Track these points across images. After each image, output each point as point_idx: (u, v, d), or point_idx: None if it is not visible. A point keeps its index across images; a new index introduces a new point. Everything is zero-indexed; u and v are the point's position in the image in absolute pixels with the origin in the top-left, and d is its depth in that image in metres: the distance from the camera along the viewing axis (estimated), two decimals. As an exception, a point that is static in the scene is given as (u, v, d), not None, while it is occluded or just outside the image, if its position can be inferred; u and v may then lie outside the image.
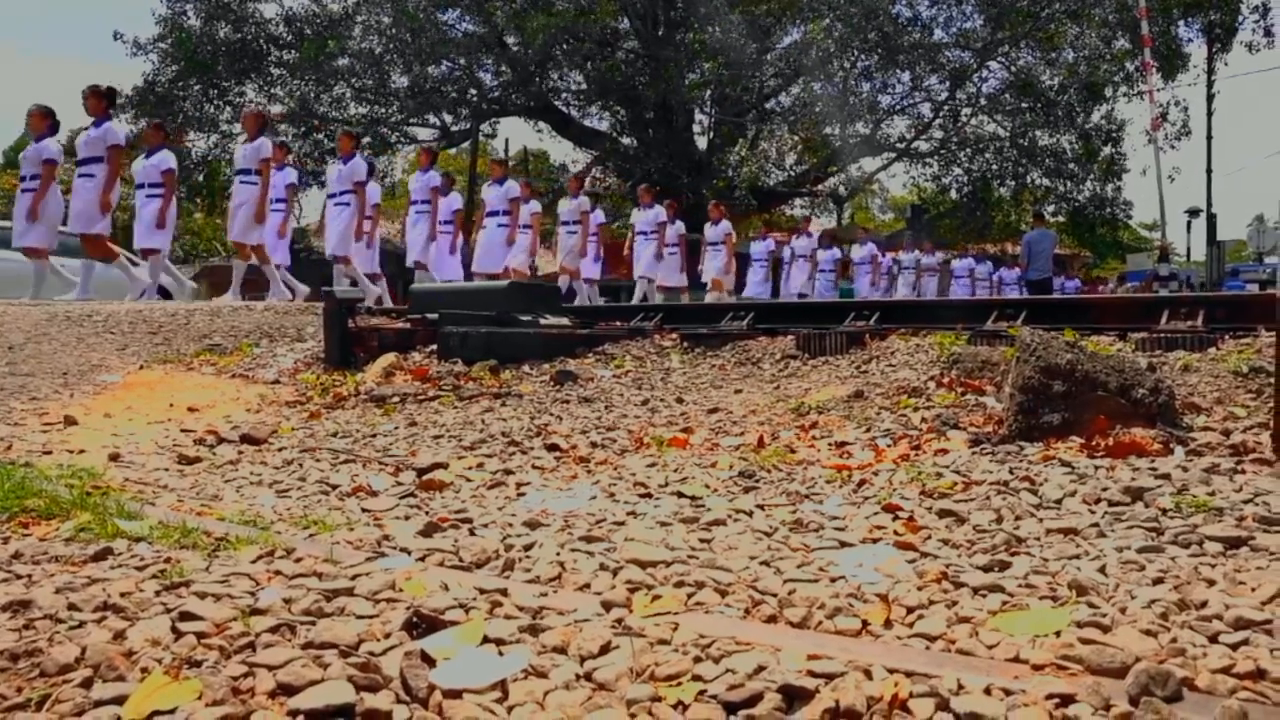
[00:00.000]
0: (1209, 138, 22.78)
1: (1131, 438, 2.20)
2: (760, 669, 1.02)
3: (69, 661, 1.03)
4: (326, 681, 0.97)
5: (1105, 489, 1.83)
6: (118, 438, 3.06)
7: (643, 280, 11.80)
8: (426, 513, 1.96)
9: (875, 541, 1.60)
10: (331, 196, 9.19)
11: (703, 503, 1.96)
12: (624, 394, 3.68)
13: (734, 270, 13.14)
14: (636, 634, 1.12)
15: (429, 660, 1.03)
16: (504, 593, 1.29)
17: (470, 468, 2.46)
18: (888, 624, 1.19)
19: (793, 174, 24.83)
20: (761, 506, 1.90)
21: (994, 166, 22.30)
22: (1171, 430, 2.28)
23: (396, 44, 20.75)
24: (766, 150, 24.23)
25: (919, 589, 1.30)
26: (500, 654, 1.07)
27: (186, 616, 1.16)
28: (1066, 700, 0.92)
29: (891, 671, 1.00)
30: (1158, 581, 1.31)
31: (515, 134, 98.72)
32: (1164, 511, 1.68)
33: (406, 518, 1.92)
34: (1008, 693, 0.95)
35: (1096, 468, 2.02)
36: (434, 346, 4.70)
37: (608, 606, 1.25)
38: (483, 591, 1.29)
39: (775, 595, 1.29)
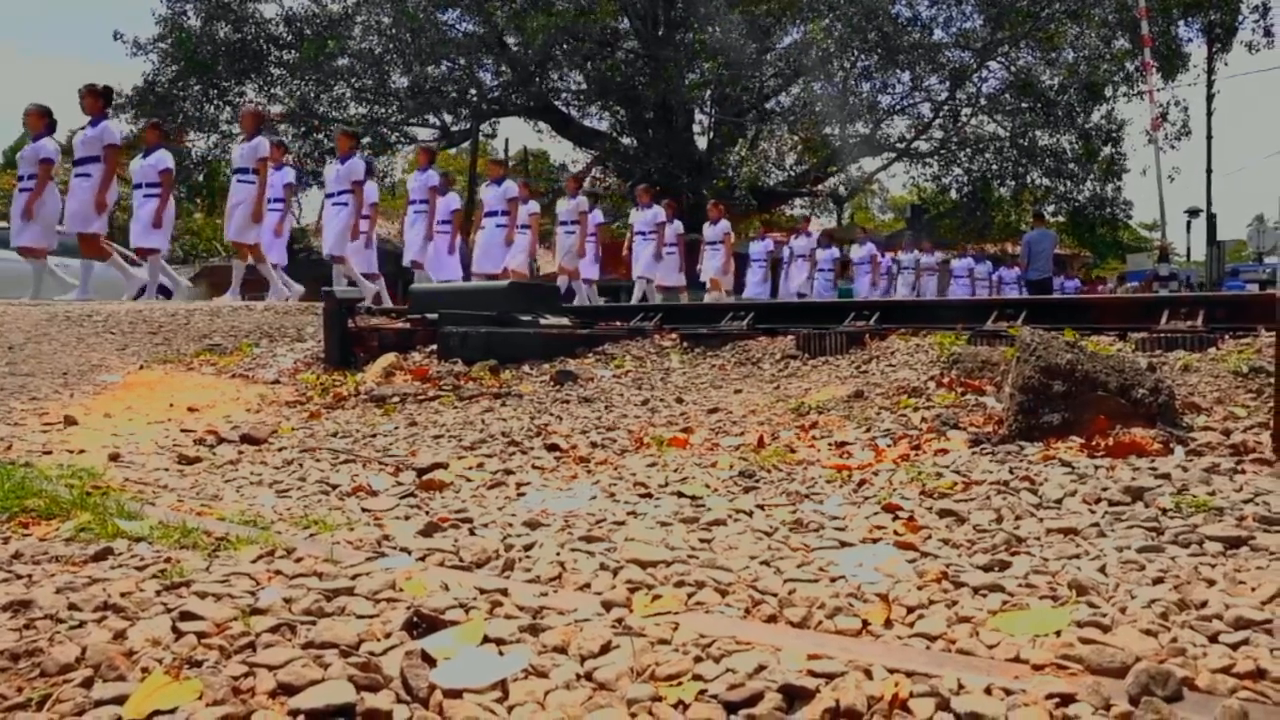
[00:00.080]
0: (1209, 137, 22.81)
1: (1131, 438, 2.20)
2: (760, 669, 1.02)
3: (69, 661, 1.03)
4: (327, 681, 0.97)
5: (1105, 489, 1.83)
6: (118, 438, 3.06)
7: (641, 280, 11.79)
8: (426, 513, 1.96)
9: (875, 541, 1.60)
10: (330, 196, 9.15)
11: (703, 503, 1.96)
12: (624, 394, 3.68)
13: (732, 270, 13.14)
14: (637, 634, 1.12)
15: (429, 660, 1.03)
16: (504, 592, 1.29)
17: (470, 468, 2.46)
18: (888, 624, 1.19)
19: (793, 174, 24.83)
20: (761, 506, 1.90)
21: (994, 166, 22.30)
22: (1171, 430, 2.28)
23: (396, 44, 20.75)
24: (766, 150, 24.23)
25: (919, 589, 1.30)
26: (500, 654, 1.07)
27: (187, 616, 1.16)
28: (1067, 700, 0.92)
29: (892, 671, 1.00)
30: (1158, 581, 1.31)
31: (515, 134, 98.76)
32: (1164, 511, 1.68)
33: (406, 518, 1.92)
34: (1008, 692, 0.95)
35: (1096, 467, 2.02)
36: (434, 346, 4.70)
37: (608, 606, 1.25)
38: (483, 591, 1.29)
39: (775, 595, 1.29)
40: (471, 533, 1.75)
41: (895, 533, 1.65)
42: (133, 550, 1.53)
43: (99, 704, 0.94)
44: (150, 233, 8.05)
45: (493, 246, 10.06)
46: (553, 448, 2.68)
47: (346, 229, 8.85)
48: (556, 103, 23.07)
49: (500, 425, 3.12)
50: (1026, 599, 1.25)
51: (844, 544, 1.58)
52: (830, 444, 2.54)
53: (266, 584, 1.32)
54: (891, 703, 0.93)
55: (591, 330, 5.04)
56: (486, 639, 1.11)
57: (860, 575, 1.39)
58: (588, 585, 1.37)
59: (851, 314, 4.77)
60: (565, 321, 5.15)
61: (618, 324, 5.29)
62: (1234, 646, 1.05)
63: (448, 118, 22.50)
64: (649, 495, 2.06)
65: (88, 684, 0.99)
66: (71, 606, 1.21)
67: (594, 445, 2.71)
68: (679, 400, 3.47)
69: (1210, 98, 22.11)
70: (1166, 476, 1.88)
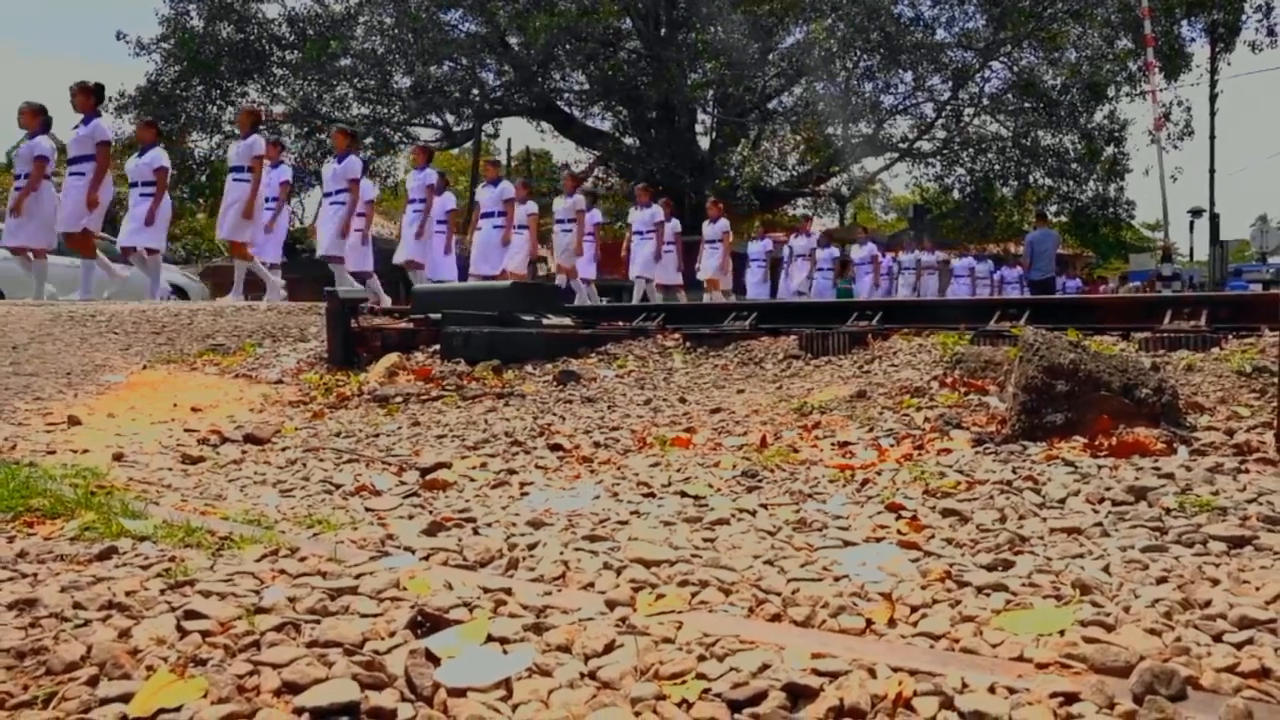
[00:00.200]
0: (1212, 137, 22.80)
1: (1135, 437, 2.20)
2: (764, 667, 1.02)
3: (75, 659, 1.03)
4: (331, 680, 0.97)
5: (1109, 488, 1.83)
6: (121, 437, 3.07)
7: (640, 280, 11.76)
8: (430, 512, 1.96)
9: (879, 540, 1.60)
10: (327, 195, 9.09)
11: (706, 502, 1.96)
12: (627, 394, 3.68)
13: (730, 269, 13.10)
14: (640, 633, 1.13)
15: (434, 659, 1.03)
16: (508, 592, 1.29)
17: (474, 467, 2.46)
18: (892, 623, 1.19)
19: (795, 174, 24.84)
20: (765, 506, 1.90)
21: (996, 166, 22.30)
22: (1175, 430, 2.27)
23: (399, 44, 20.78)
24: (769, 150, 24.23)
25: (923, 588, 1.30)
26: (505, 652, 1.07)
27: (191, 615, 1.16)
28: (1071, 699, 0.92)
29: (895, 670, 1.00)
30: (1162, 581, 1.31)
31: (518, 134, 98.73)
32: (1168, 511, 1.67)
33: (410, 517, 1.93)
34: (1012, 691, 0.95)
35: (1100, 467, 2.02)
36: (437, 346, 4.71)
37: (612, 605, 1.25)
38: (487, 590, 1.29)
39: (779, 594, 1.29)
40: (475, 532, 1.75)
41: (898, 532, 1.65)
42: (137, 549, 1.53)
43: (104, 702, 0.95)
44: (141, 231, 7.91)
45: (490, 248, 10.01)
46: (556, 447, 2.68)
47: (342, 228, 8.81)
48: (559, 103, 23.08)
49: (503, 425, 3.12)
50: (1030, 598, 1.25)
51: (847, 543, 1.58)
52: (833, 444, 2.54)
53: (271, 583, 1.32)
54: (895, 701, 0.93)
55: (594, 330, 5.04)
56: (490, 638, 1.11)
57: (864, 574, 1.39)
58: (591, 584, 1.37)
59: (854, 314, 4.77)
60: (568, 321, 5.15)
61: (620, 324, 5.29)
62: (1238, 646, 1.05)
63: (450, 118, 22.53)
64: (652, 495, 2.06)
65: (93, 682, 0.99)
66: (76, 605, 1.21)
67: (597, 445, 2.72)
68: (682, 400, 3.47)
69: (1213, 97, 22.12)
70: (1170, 476, 1.88)
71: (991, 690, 0.95)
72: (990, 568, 1.41)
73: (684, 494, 2.05)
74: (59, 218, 7.73)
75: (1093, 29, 20.11)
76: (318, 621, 1.15)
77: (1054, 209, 22.07)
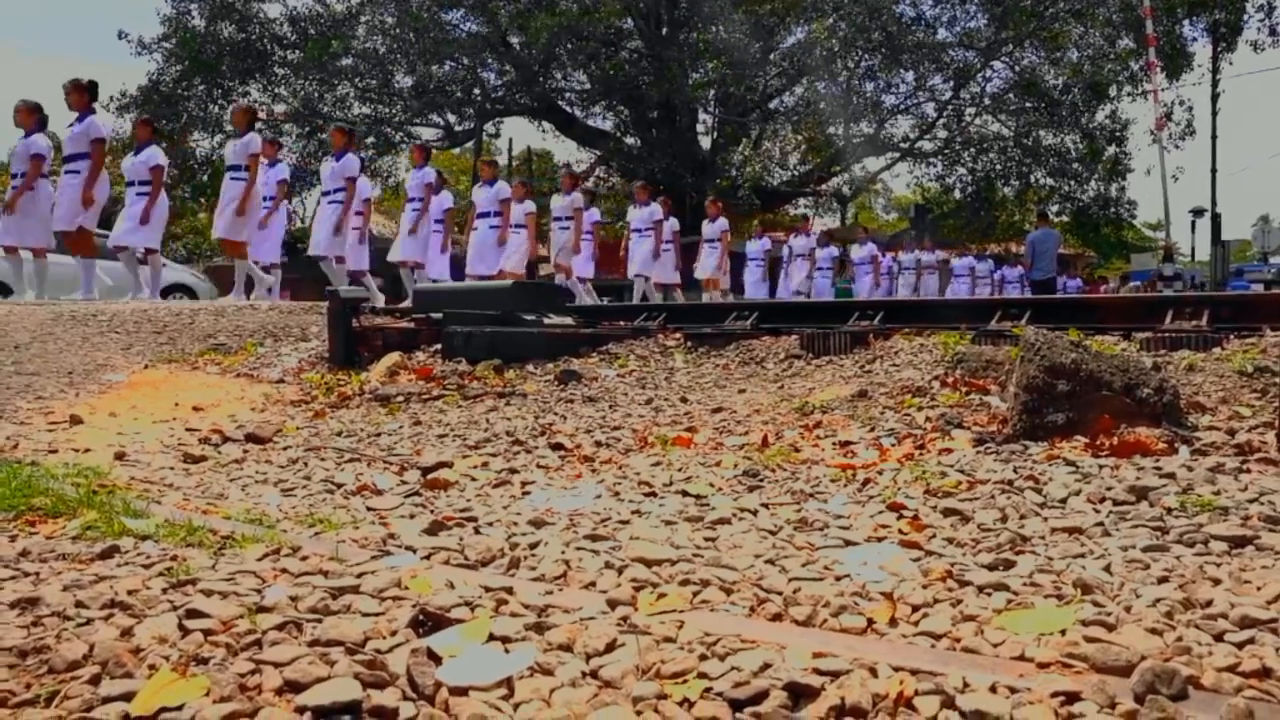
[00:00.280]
0: (1214, 137, 22.79)
1: (1136, 437, 2.20)
2: (766, 667, 1.02)
3: (77, 658, 1.03)
4: (333, 679, 0.97)
5: (1110, 488, 1.82)
6: (123, 436, 3.07)
7: (639, 279, 11.74)
8: (431, 511, 1.96)
9: (880, 540, 1.60)
10: (325, 194, 9.06)
11: (707, 501, 1.96)
12: (628, 393, 3.68)
13: (728, 268, 13.07)
14: (642, 632, 1.13)
15: (435, 658, 1.03)
16: (509, 591, 1.29)
17: (475, 467, 2.47)
18: (893, 622, 1.19)
19: (796, 174, 24.83)
20: (766, 505, 1.90)
21: (998, 166, 22.29)
22: (1176, 430, 2.27)
23: (400, 44, 20.79)
24: (770, 150, 24.24)
25: (924, 587, 1.30)
26: (506, 651, 1.07)
27: (193, 614, 1.16)
28: (1072, 698, 0.92)
29: (897, 669, 1.00)
30: (1163, 580, 1.31)
31: (519, 134, 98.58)
32: (1169, 510, 1.67)
33: (412, 516, 1.93)
34: (1013, 690, 0.95)
35: (1101, 467, 2.02)
36: (438, 346, 4.71)
37: (613, 604, 1.25)
38: (488, 589, 1.29)
39: (780, 593, 1.29)
40: (476, 531, 1.75)
41: (900, 531, 1.65)
42: (139, 548, 1.53)
43: (106, 700, 0.95)
44: (136, 231, 7.85)
45: (486, 248, 9.95)
46: (557, 447, 2.68)
47: (340, 227, 8.78)
48: (560, 102, 23.09)
49: (505, 424, 3.12)
50: (1031, 598, 1.25)
51: (849, 543, 1.58)
52: (834, 443, 2.54)
53: (272, 582, 1.32)
54: (897, 700, 0.93)
55: (595, 330, 5.04)
56: (492, 637, 1.11)
57: (865, 574, 1.39)
58: (593, 584, 1.37)
59: (855, 314, 4.77)
60: (569, 321, 5.15)
61: (621, 323, 5.29)
62: (1239, 645, 1.05)
63: (451, 118, 22.54)
64: (653, 494, 2.07)
65: (95, 681, 0.99)
66: (78, 604, 1.21)
67: (598, 444, 2.72)
68: (683, 400, 3.48)
69: (1215, 97, 22.11)
70: (1171, 476, 1.88)
71: (993, 689, 0.95)
72: (991, 567, 1.42)
73: (685, 493, 2.05)
74: (55, 216, 7.65)
75: (1094, 29, 20.10)
76: (319, 620, 1.15)
77: (1055, 209, 22.06)
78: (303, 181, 20.45)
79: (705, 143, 23.00)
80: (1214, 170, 23.09)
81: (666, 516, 1.81)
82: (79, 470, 2.33)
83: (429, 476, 2.32)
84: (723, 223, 12.70)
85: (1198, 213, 27.92)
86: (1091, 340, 3.21)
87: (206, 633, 1.11)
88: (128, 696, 0.95)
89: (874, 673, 1.00)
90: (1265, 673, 0.98)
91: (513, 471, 2.39)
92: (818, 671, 1.00)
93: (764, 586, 1.33)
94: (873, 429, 2.68)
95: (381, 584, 1.29)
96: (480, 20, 20.94)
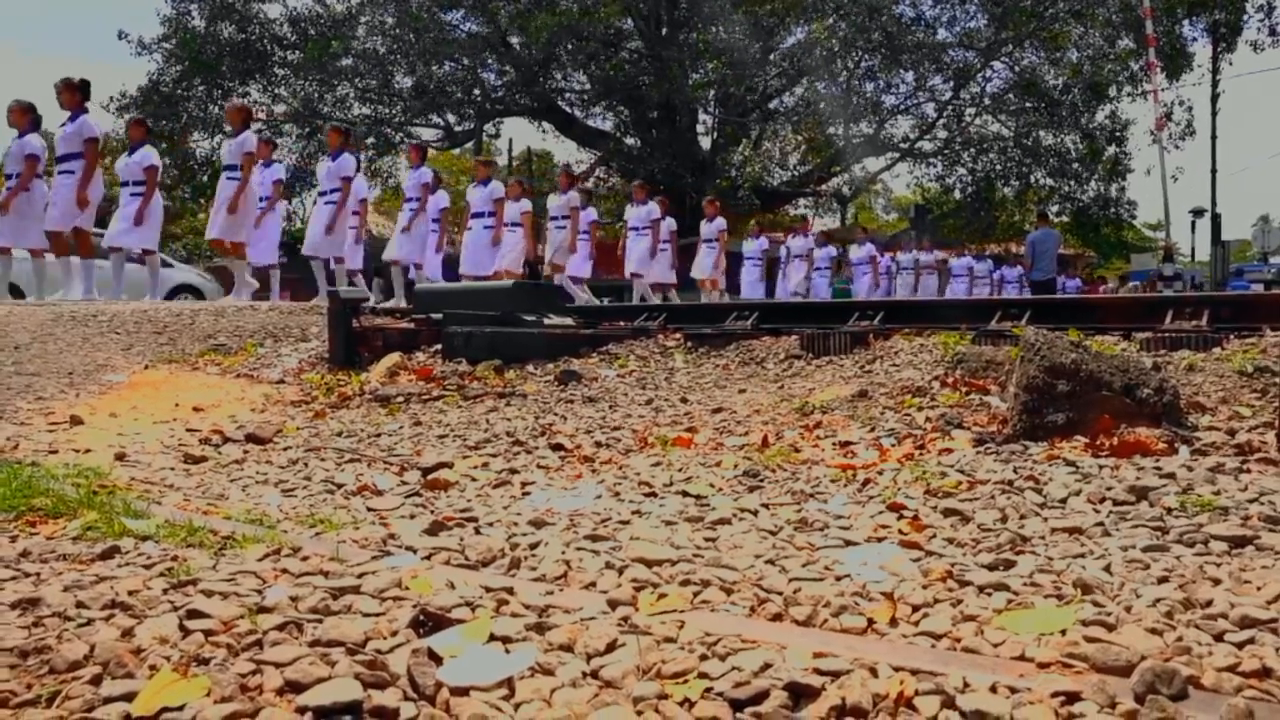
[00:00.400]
0: (1213, 137, 22.81)
1: (1136, 437, 2.20)
2: (766, 667, 1.02)
3: (78, 659, 1.03)
4: (334, 679, 0.97)
5: (1110, 488, 1.83)
6: (123, 437, 3.07)
7: (636, 278, 11.70)
8: (432, 512, 1.96)
9: (880, 540, 1.60)
10: (322, 194, 9.03)
11: (707, 502, 1.96)
12: (628, 394, 3.68)
13: (723, 267, 13.04)
14: (642, 632, 1.13)
15: (436, 658, 1.03)
16: (510, 591, 1.29)
17: (475, 467, 2.47)
18: (893, 622, 1.20)
19: (796, 174, 24.83)
20: (766, 505, 1.90)
21: (998, 166, 22.29)
22: (1176, 430, 2.27)
23: (400, 44, 20.80)
24: (770, 150, 24.23)
25: (924, 587, 1.31)
26: (507, 652, 1.07)
27: (194, 614, 1.16)
28: (1072, 698, 0.92)
29: (897, 669, 1.00)
30: (1163, 580, 1.31)
31: (519, 134, 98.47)
32: (1169, 510, 1.67)
33: (412, 517, 1.93)
34: (1013, 690, 0.95)
35: (1101, 467, 2.02)
36: (438, 346, 4.71)
37: (614, 605, 1.25)
38: (489, 590, 1.30)
39: (780, 594, 1.29)
40: (477, 532, 1.75)
41: (900, 532, 1.65)
42: (139, 549, 1.53)
43: (108, 701, 0.95)
44: (131, 232, 7.80)
45: (480, 248, 9.89)
46: (557, 447, 2.68)
47: (336, 227, 8.74)
48: (560, 103, 23.09)
49: (505, 425, 3.13)
50: (1031, 598, 1.25)
51: (849, 543, 1.58)
52: (834, 443, 2.54)
53: (273, 582, 1.33)
54: (897, 700, 0.93)
55: (595, 330, 5.04)
56: (493, 637, 1.11)
57: (865, 574, 1.39)
58: (593, 584, 1.37)
59: (855, 314, 4.77)
60: (569, 321, 5.15)
61: (622, 324, 5.29)
62: (1239, 645, 1.05)
63: (451, 118, 22.54)
64: (654, 494, 2.07)
65: (96, 681, 0.99)
66: (79, 604, 1.21)
67: (598, 445, 2.72)
68: (683, 400, 3.48)
69: (1215, 97, 22.13)
70: (1171, 476, 1.88)
71: (993, 689, 0.95)
72: (992, 567, 1.42)
73: (686, 493, 2.05)
74: (48, 216, 7.58)
75: (1094, 29, 20.11)
76: (320, 621, 1.15)
77: (1055, 209, 22.06)
78: (303, 182, 20.46)
79: (705, 143, 23.00)
80: (1214, 170, 23.11)
81: (667, 517, 1.81)
82: (79, 471, 2.33)
83: (429, 477, 2.32)
84: (720, 222, 12.66)
85: (1198, 213, 27.92)
86: (1091, 340, 3.21)
87: (207, 633, 1.11)
88: (129, 697, 0.95)
89: (874, 673, 1.00)
90: (1265, 673, 0.98)
91: (513, 472, 2.39)
92: (818, 671, 1.00)
93: (764, 586, 1.33)
94: (873, 429, 2.68)
95: (382, 584, 1.30)
96: (480, 20, 20.95)
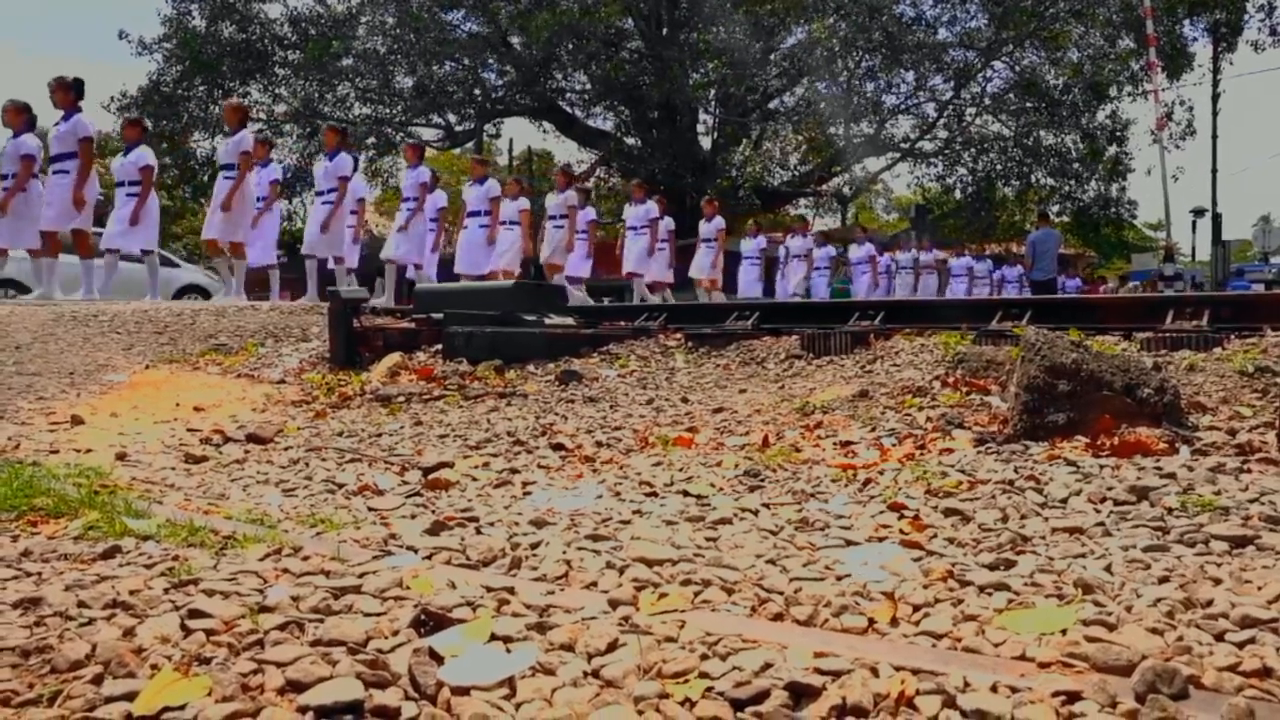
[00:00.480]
0: (1214, 137, 22.79)
1: (1137, 437, 2.20)
2: (767, 666, 1.02)
3: (79, 658, 1.04)
4: (335, 678, 0.97)
5: (1111, 488, 1.83)
6: (124, 437, 3.07)
7: (634, 277, 11.67)
8: (433, 511, 1.96)
9: (881, 540, 1.60)
10: (319, 194, 9.03)
11: (708, 502, 1.96)
12: (629, 393, 3.68)
13: (722, 267, 13.02)
14: (643, 631, 1.13)
15: (437, 657, 1.03)
16: (511, 591, 1.29)
17: (476, 467, 2.47)
18: (894, 622, 1.20)
19: (797, 174, 24.80)
20: (767, 505, 1.90)
21: (998, 166, 22.26)
22: (1177, 430, 2.27)
23: (400, 44, 20.79)
24: (770, 150, 24.19)
25: (925, 587, 1.31)
26: (508, 651, 1.07)
27: (195, 614, 1.16)
28: (1073, 697, 0.92)
29: (898, 669, 1.00)
30: (1164, 580, 1.31)
31: (520, 134, 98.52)
32: (1170, 510, 1.68)
33: (413, 516, 1.93)
34: (1014, 690, 0.95)
35: (1102, 467, 2.02)
36: (439, 346, 4.71)
37: (614, 604, 1.25)
38: (490, 589, 1.30)
39: (781, 593, 1.30)
40: (478, 531, 1.75)
41: (901, 531, 1.66)
42: (140, 548, 1.53)
43: (109, 700, 0.95)
44: (127, 233, 7.77)
45: (475, 247, 9.87)
46: (558, 447, 2.68)
47: (333, 227, 8.72)
48: (561, 103, 23.07)
49: (505, 425, 3.13)
50: (1032, 597, 1.25)
51: (850, 543, 1.58)
52: (835, 443, 2.54)
53: (274, 582, 1.33)
54: (898, 700, 0.93)
55: (596, 330, 5.04)
56: (494, 637, 1.11)
57: (866, 574, 1.39)
58: (594, 584, 1.38)
59: (856, 314, 4.77)
60: (570, 321, 5.15)
61: (622, 324, 5.29)
62: (1240, 645, 1.05)
63: (452, 118, 22.53)
64: (655, 494, 2.07)
65: (98, 680, 0.99)
66: (81, 604, 1.21)
67: (599, 444, 2.72)
68: (684, 400, 3.48)
69: (1215, 97, 22.10)
70: (1172, 476, 1.88)
71: (994, 689, 0.95)
72: (992, 567, 1.42)
73: (686, 493, 2.05)
74: (44, 216, 7.55)
75: (1095, 29, 20.08)
76: (321, 620, 1.15)
77: (1056, 209, 22.03)
78: (304, 182, 20.44)
79: (706, 143, 22.98)
80: (1214, 170, 23.09)
81: (668, 516, 1.81)
82: (80, 470, 2.33)
83: (430, 477, 2.32)
84: (719, 222, 12.64)
85: (1198, 213, 27.90)
86: (1092, 340, 3.21)
87: (209, 632, 1.11)
88: (130, 696, 0.95)
89: (875, 672, 1.00)
90: (1266, 672, 0.98)
91: (514, 472, 2.39)
92: (819, 671, 1.00)
93: (765, 586, 1.33)
94: (873, 429, 2.68)
95: (383, 584, 1.30)
96: (480, 20, 20.94)
